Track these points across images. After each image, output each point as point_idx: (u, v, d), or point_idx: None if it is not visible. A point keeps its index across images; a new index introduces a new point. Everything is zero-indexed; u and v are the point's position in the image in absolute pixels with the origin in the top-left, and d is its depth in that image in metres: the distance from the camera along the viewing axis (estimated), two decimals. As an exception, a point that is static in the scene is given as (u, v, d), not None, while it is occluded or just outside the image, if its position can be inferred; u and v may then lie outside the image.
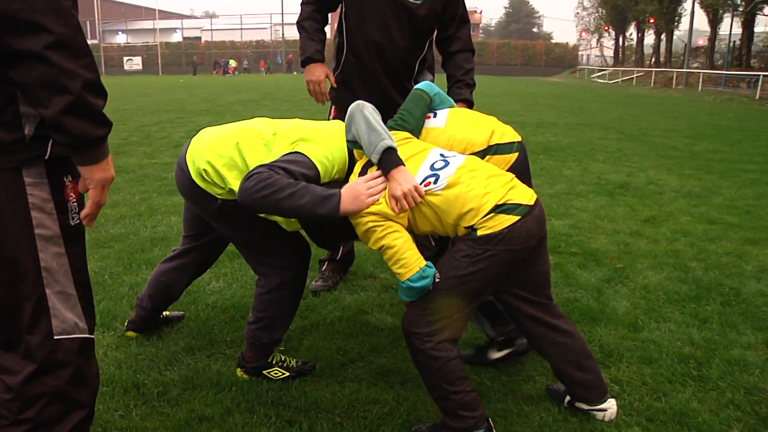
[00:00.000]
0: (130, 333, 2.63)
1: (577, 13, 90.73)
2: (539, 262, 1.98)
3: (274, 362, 2.33)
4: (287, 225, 2.15)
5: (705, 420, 2.08)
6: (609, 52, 61.75)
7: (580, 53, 64.35)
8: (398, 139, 1.99)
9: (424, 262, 1.84)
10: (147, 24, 66.48)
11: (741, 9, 32.85)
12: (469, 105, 2.79)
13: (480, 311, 2.41)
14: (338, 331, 2.72)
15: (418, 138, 2.10)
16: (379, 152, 1.86)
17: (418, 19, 2.72)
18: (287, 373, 2.32)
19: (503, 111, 13.70)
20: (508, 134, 2.19)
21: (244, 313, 2.84)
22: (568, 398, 2.13)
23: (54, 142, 1.30)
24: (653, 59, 46.98)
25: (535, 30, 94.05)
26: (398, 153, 1.89)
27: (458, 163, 1.89)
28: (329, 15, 2.96)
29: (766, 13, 32.85)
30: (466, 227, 1.82)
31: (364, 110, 1.94)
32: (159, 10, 59.47)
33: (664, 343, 2.64)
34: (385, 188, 1.86)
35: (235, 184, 2.01)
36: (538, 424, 2.06)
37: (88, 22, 57.24)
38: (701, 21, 41.80)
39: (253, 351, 2.31)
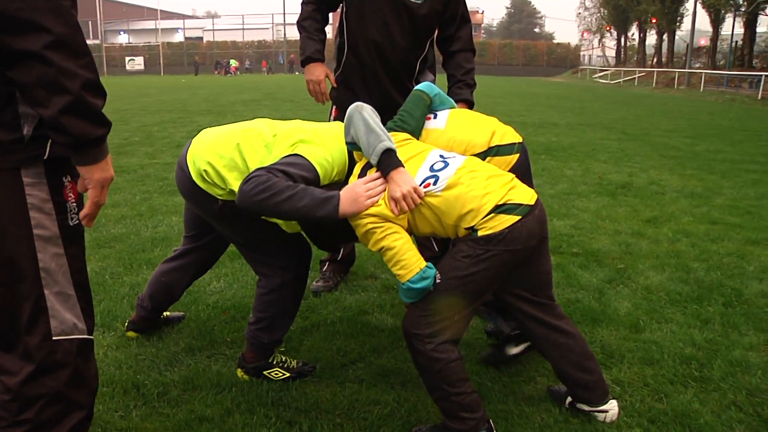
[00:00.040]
0: (130, 333, 2.63)
1: (579, 13, 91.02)
2: (540, 263, 1.97)
3: (274, 363, 2.33)
4: (287, 227, 2.15)
5: (707, 421, 2.07)
6: (611, 53, 61.78)
7: (581, 53, 64.30)
8: (398, 141, 1.98)
9: (424, 263, 1.83)
10: (149, 24, 66.49)
11: (743, 9, 32.77)
12: (470, 105, 2.79)
13: (488, 306, 2.41)
14: (339, 331, 2.72)
15: (418, 139, 2.10)
16: (378, 154, 1.86)
17: (418, 19, 2.71)
18: (288, 374, 2.32)
19: (505, 111, 13.71)
20: (509, 135, 2.18)
21: (245, 314, 2.84)
22: (569, 399, 2.12)
23: (53, 142, 1.30)
24: (655, 59, 46.95)
25: (536, 30, 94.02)
26: (397, 154, 1.88)
27: (458, 164, 1.88)
28: (330, 15, 2.95)
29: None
30: (466, 228, 1.82)
31: (363, 112, 1.93)
32: (161, 10, 59.45)
33: (666, 344, 2.63)
34: (385, 190, 1.85)
35: (235, 185, 2.01)
36: (539, 426, 2.05)
37: (89, 22, 57.42)
38: (703, 21, 41.87)
39: (254, 351, 2.30)
